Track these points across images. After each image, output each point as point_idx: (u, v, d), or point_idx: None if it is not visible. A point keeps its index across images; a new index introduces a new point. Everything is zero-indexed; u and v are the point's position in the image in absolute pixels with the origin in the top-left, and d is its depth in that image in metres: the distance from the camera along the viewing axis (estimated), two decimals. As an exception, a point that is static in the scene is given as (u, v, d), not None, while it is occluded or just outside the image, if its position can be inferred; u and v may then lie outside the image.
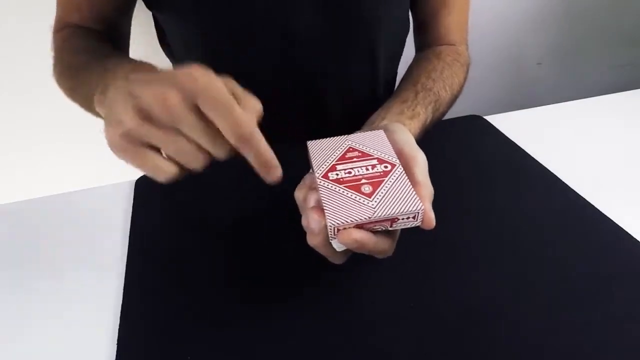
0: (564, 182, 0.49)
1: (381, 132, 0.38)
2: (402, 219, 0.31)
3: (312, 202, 0.33)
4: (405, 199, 0.31)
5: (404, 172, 0.34)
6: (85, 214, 0.50)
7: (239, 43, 0.55)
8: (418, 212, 0.31)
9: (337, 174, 0.34)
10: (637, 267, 0.39)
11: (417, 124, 0.48)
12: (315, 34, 0.55)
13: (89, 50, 0.49)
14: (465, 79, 0.61)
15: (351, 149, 0.37)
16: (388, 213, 0.30)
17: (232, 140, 0.28)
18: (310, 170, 0.36)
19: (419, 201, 0.31)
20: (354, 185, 0.33)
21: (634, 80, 1.23)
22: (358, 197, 0.32)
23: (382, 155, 0.35)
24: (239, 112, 0.28)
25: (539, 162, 0.52)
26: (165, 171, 0.30)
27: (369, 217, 0.30)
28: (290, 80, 0.59)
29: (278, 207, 0.48)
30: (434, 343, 0.34)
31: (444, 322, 0.35)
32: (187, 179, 0.55)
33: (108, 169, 1.05)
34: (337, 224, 0.30)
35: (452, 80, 0.57)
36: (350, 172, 0.34)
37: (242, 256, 0.42)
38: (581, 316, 0.35)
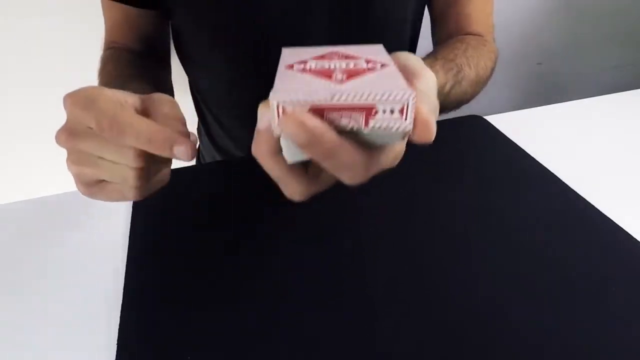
0: (564, 182, 0.49)
1: (380, 46, 0.28)
2: (383, 110, 0.21)
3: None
4: (390, 84, 0.22)
5: (397, 70, 0.24)
6: (85, 214, 0.50)
7: (252, 43, 0.56)
8: (407, 102, 0.21)
9: (304, 67, 0.24)
10: (637, 267, 0.39)
11: (439, 78, 0.42)
12: (327, 35, 0.55)
13: (116, 77, 0.51)
14: (492, 67, 0.55)
15: (335, 52, 0.27)
16: (360, 96, 0.21)
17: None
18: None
19: (410, 89, 0.21)
20: (324, 73, 0.23)
21: (634, 80, 1.23)
22: (324, 82, 0.22)
23: (374, 57, 0.26)
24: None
25: (539, 162, 0.52)
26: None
27: (332, 97, 0.21)
28: None
29: (281, 207, 0.48)
30: (434, 343, 0.34)
31: (444, 322, 0.35)
32: (187, 179, 0.55)
33: (108, 169, 1.05)
34: (284, 101, 0.21)
35: (477, 60, 0.51)
36: (323, 66, 0.24)
37: (243, 256, 0.42)
38: (581, 316, 0.35)
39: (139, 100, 0.31)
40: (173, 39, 0.65)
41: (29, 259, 0.45)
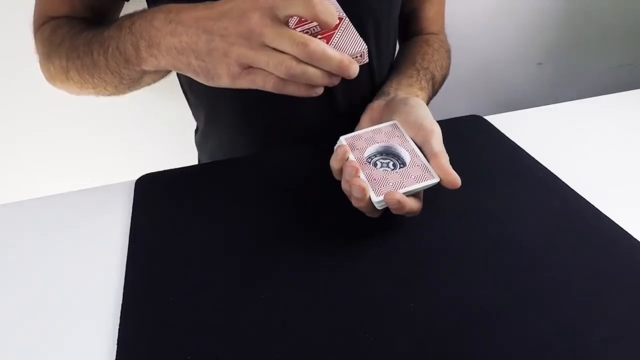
0: (564, 182, 0.49)
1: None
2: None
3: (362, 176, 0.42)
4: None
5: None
6: (85, 214, 0.50)
7: None
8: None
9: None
10: (637, 268, 0.39)
11: (424, 96, 0.56)
12: None
13: (91, 27, 0.49)
14: (449, 63, 0.68)
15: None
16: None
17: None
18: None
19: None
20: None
21: (634, 80, 1.23)
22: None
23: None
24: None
25: (539, 162, 0.52)
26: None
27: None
28: None
29: (281, 206, 0.48)
30: (434, 343, 0.34)
31: (444, 322, 0.35)
32: (187, 180, 0.55)
33: (108, 169, 1.05)
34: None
35: (441, 63, 0.63)
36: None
37: (243, 256, 0.42)
38: (581, 316, 0.35)
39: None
40: None
41: (28, 259, 0.45)
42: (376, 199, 0.40)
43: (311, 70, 0.35)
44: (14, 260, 0.45)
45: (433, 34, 0.69)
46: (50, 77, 0.53)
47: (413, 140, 0.44)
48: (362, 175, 0.42)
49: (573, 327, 0.34)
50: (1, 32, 0.82)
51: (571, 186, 0.48)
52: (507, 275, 0.39)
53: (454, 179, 0.40)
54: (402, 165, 0.43)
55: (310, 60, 0.35)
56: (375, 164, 0.43)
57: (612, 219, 0.44)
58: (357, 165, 0.42)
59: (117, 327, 0.36)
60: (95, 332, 0.37)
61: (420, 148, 0.44)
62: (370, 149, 0.44)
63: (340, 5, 0.56)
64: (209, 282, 0.40)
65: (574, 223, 0.44)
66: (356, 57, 0.38)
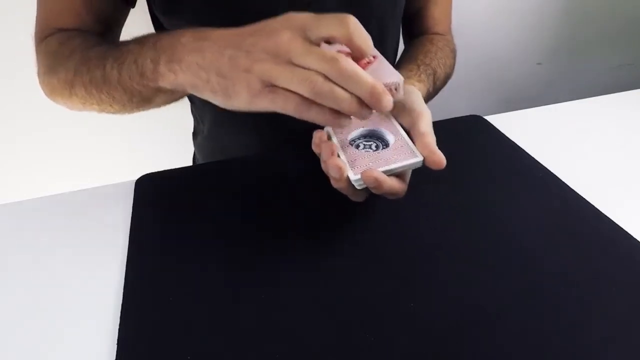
0: (564, 182, 0.49)
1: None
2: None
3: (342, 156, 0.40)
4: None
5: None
6: (86, 214, 0.50)
7: None
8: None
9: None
10: (637, 268, 0.39)
11: (422, 88, 0.55)
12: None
13: (105, 43, 0.48)
14: (454, 63, 0.67)
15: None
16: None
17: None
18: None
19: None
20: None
21: (634, 80, 1.23)
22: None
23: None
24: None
25: (539, 162, 0.52)
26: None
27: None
28: None
29: (281, 206, 0.48)
30: (434, 343, 0.34)
31: (444, 322, 0.35)
32: (186, 180, 0.55)
33: (108, 169, 1.05)
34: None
35: (445, 61, 0.63)
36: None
37: (242, 256, 0.42)
38: (581, 316, 0.35)
39: None
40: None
41: (29, 259, 0.45)
42: (354, 177, 0.39)
43: (339, 91, 0.33)
44: (14, 260, 0.45)
45: (438, 34, 0.69)
46: (51, 92, 0.52)
47: (401, 125, 0.44)
48: (342, 156, 0.41)
49: (573, 327, 0.34)
50: (1, 32, 0.82)
51: (571, 186, 0.48)
52: (507, 275, 0.39)
53: (439, 159, 0.38)
54: (385, 147, 0.42)
55: (340, 78, 0.32)
56: (357, 146, 0.43)
57: (612, 219, 0.44)
58: (334, 145, 0.41)
59: (117, 327, 0.36)
60: (95, 332, 0.37)
61: (408, 132, 0.43)
62: (355, 133, 0.44)
63: (343, 5, 0.56)
64: (209, 282, 0.40)
65: (574, 223, 0.44)
66: (390, 89, 0.37)
